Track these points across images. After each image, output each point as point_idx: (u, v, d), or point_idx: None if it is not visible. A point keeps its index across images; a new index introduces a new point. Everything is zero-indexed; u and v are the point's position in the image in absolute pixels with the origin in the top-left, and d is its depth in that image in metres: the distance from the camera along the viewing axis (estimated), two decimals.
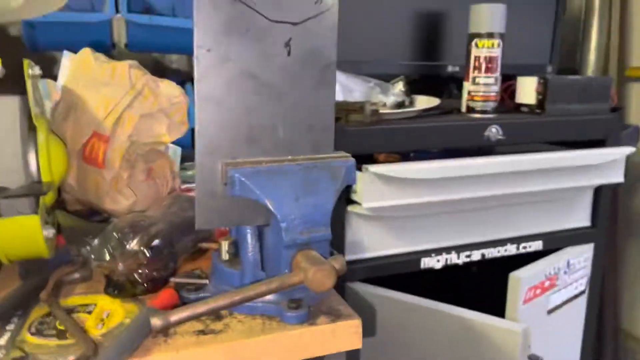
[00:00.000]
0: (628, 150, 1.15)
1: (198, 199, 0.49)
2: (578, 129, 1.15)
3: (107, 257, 0.51)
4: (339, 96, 1.08)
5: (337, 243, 1.00)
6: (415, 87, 1.21)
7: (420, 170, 0.95)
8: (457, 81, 1.29)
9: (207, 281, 0.55)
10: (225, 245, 0.53)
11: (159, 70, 1.24)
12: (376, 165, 0.93)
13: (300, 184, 0.49)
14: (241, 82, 0.47)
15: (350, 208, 0.98)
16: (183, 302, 0.52)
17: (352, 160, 0.53)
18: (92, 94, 0.60)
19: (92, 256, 0.51)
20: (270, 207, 0.48)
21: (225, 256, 0.54)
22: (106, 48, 1.04)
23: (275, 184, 0.49)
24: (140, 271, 0.51)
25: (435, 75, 1.24)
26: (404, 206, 0.96)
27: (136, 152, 0.62)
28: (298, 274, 0.46)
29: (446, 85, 1.32)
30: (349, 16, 1.15)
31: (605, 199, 1.22)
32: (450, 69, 1.24)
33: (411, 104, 1.14)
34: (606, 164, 1.12)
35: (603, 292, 1.44)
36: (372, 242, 1.03)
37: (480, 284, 1.26)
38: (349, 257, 1.02)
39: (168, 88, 0.62)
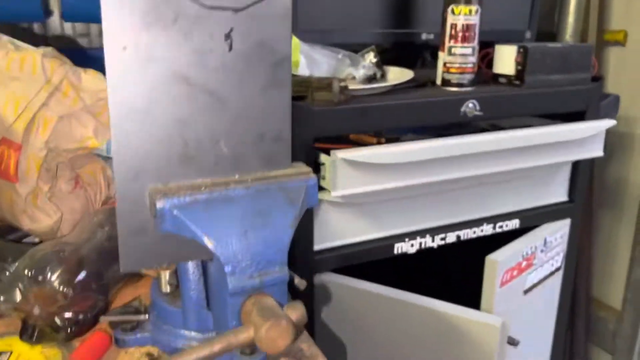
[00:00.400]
0: (609, 123, 1.09)
1: (122, 238, 0.40)
2: (558, 101, 1.08)
3: (19, 299, 0.42)
4: (304, 70, 0.98)
5: (305, 231, 0.93)
6: (386, 56, 1.12)
7: (393, 154, 0.88)
8: (432, 49, 1.20)
9: (146, 316, 0.47)
10: (165, 276, 0.45)
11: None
12: (344, 150, 0.85)
13: (250, 212, 0.41)
14: (170, 87, 0.37)
15: (318, 196, 0.90)
16: (118, 345, 0.44)
17: (314, 178, 0.44)
18: None
19: (1, 297, 0.42)
20: (211, 247, 0.40)
21: (165, 288, 0.45)
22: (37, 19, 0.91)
23: (217, 216, 0.40)
24: (62, 314, 0.43)
25: (408, 43, 1.14)
26: (376, 192, 0.89)
27: (57, 160, 0.52)
28: (248, 329, 0.38)
29: (420, 53, 1.23)
30: None
31: (583, 173, 1.18)
32: (424, 36, 1.14)
33: (383, 76, 1.05)
34: (586, 138, 1.06)
35: (577, 265, 1.42)
36: (341, 228, 0.96)
37: (456, 267, 1.22)
38: (318, 246, 0.95)
39: (93, 81, 0.52)
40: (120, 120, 0.37)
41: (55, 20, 0.98)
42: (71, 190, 0.55)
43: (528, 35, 1.24)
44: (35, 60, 0.50)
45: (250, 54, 0.38)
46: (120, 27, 0.35)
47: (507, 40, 1.17)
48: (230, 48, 0.38)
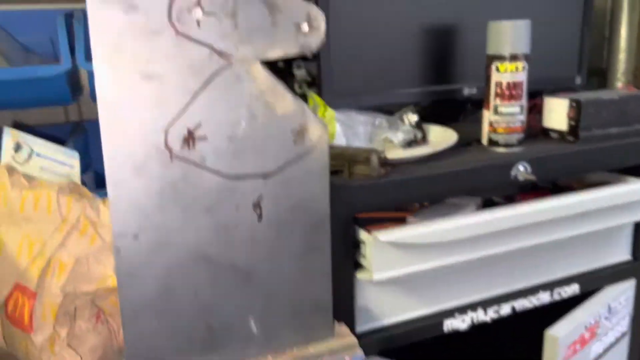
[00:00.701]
0: None
1: None
2: (617, 156, 1.00)
3: None
4: (340, 139, 0.93)
5: (346, 314, 0.86)
6: (426, 113, 1.05)
7: (438, 232, 0.82)
8: (475, 103, 1.13)
9: None
10: None
11: None
12: (386, 231, 0.79)
13: None
14: (189, 270, 0.33)
15: (359, 275, 0.84)
16: None
17: (360, 356, 0.38)
18: (11, 231, 0.46)
19: None
20: None
21: None
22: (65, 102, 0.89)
23: None
24: None
25: (448, 99, 1.08)
26: (421, 272, 0.83)
27: (75, 303, 0.48)
28: None
29: (461, 109, 1.16)
30: (344, 42, 0.99)
31: None
32: (466, 91, 1.07)
33: (423, 138, 0.98)
34: None
35: None
36: (385, 307, 0.90)
37: (513, 343, 1.13)
38: (360, 327, 0.89)
39: None
40: (133, 319, 0.32)
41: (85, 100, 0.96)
42: (92, 328, 0.51)
43: (578, 80, 1.15)
44: (50, 198, 0.47)
45: (283, 221, 0.33)
46: (129, 214, 0.30)
47: (556, 89, 1.10)
48: (260, 218, 0.33)
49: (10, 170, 0.51)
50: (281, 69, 1.16)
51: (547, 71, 1.14)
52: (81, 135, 0.98)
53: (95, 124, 1.05)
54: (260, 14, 0.30)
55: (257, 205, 0.32)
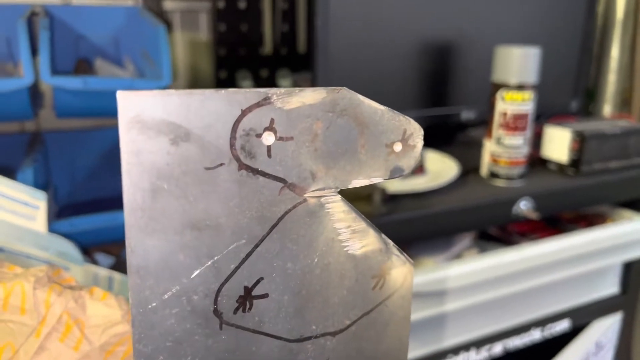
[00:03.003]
0: None
1: None
2: (617, 190, 0.97)
3: None
4: None
5: None
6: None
7: (441, 280, 0.76)
8: (473, 126, 1.07)
9: None
10: None
11: None
12: None
13: None
14: None
15: None
16: None
17: None
18: None
19: None
20: None
21: None
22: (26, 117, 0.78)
23: None
24: None
25: (444, 123, 1.02)
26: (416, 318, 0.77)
27: None
28: None
29: (457, 132, 1.10)
30: (340, 60, 0.91)
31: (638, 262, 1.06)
32: (464, 115, 1.01)
33: (421, 168, 0.92)
34: None
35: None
36: None
37: None
38: None
39: (102, 310, 0.39)
40: None
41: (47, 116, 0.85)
42: None
43: (574, 105, 1.11)
44: (25, 293, 0.37)
45: None
46: None
47: (551, 114, 1.05)
48: None
49: None
50: (264, 79, 1.06)
51: (542, 95, 1.09)
52: (40, 148, 0.86)
53: (55, 135, 0.93)
54: (347, 134, 0.22)
55: None
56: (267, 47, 1.09)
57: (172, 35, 1.07)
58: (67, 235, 0.68)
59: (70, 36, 0.86)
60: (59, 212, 0.90)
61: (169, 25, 0.86)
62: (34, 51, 0.75)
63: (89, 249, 0.79)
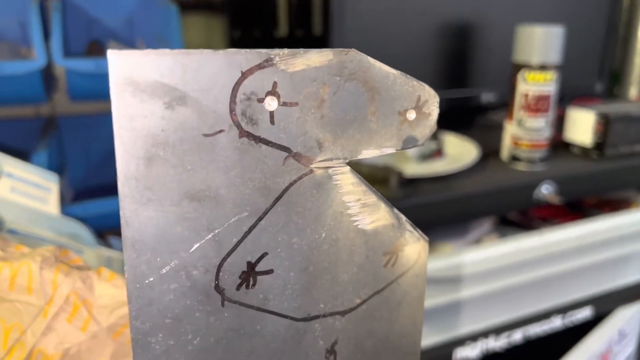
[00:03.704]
0: None
1: None
2: None
3: None
4: None
5: None
6: (441, 119, 0.96)
7: (461, 265, 0.74)
8: (494, 108, 1.05)
9: None
10: None
11: None
12: None
13: None
14: None
15: None
16: None
17: None
18: None
19: None
20: None
21: None
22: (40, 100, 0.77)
23: None
24: None
25: (464, 106, 0.99)
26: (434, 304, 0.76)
27: None
28: None
29: (478, 115, 1.07)
30: (358, 40, 0.89)
31: None
32: (484, 97, 0.99)
33: (439, 152, 0.90)
34: None
35: None
36: None
37: None
38: None
39: (110, 291, 0.38)
40: None
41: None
42: None
43: (598, 88, 1.08)
44: (32, 274, 0.36)
45: None
46: None
47: (575, 96, 1.02)
48: None
49: None
50: None
51: (565, 76, 1.06)
52: (54, 132, 0.86)
53: (70, 119, 0.93)
54: (355, 100, 0.20)
55: (330, 351, 0.23)
56: (282, 29, 1.07)
57: (185, 17, 1.05)
58: (82, 219, 0.67)
59: (83, 18, 0.85)
60: (74, 196, 0.90)
61: (182, 6, 0.85)
62: (46, 34, 0.75)
63: (103, 232, 0.78)
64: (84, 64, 0.72)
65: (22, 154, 0.72)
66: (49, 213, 0.62)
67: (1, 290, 0.36)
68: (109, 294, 0.38)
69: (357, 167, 0.77)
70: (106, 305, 0.38)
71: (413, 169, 0.83)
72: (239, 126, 0.20)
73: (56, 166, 0.80)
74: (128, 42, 0.88)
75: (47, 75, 0.76)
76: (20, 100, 0.75)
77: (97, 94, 0.78)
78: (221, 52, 0.19)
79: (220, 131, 0.20)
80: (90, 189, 0.94)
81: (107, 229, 0.81)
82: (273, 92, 0.20)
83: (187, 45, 0.98)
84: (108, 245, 0.81)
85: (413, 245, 0.25)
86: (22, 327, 0.36)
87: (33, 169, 0.60)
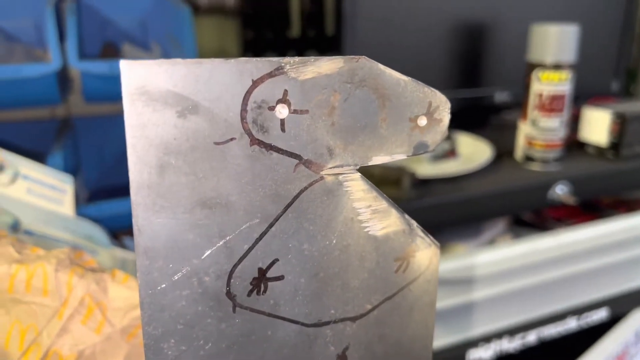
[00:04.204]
0: None
1: None
2: None
3: None
4: None
5: None
6: (454, 118, 0.96)
7: (476, 266, 0.74)
8: (507, 108, 1.04)
9: None
10: None
11: None
12: None
13: None
14: None
15: None
16: None
17: None
18: None
19: None
20: None
21: None
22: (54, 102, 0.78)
23: None
24: None
25: (477, 105, 0.98)
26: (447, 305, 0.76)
27: None
28: None
29: (491, 115, 1.07)
30: (369, 39, 0.89)
31: None
32: (498, 97, 0.98)
33: (453, 152, 0.89)
34: None
35: None
36: None
37: None
38: None
39: (124, 293, 0.38)
40: None
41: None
42: None
43: (614, 87, 1.06)
44: (47, 276, 0.37)
45: None
46: None
47: (590, 95, 1.01)
48: None
49: None
50: None
51: (580, 75, 1.05)
52: (70, 134, 0.87)
53: (85, 121, 0.94)
54: (366, 107, 0.20)
55: (342, 357, 0.23)
56: (295, 29, 1.08)
57: (199, 18, 1.06)
58: (96, 220, 0.68)
59: (97, 20, 0.86)
60: (89, 197, 0.91)
61: (195, 8, 0.86)
62: (61, 36, 0.75)
63: (118, 233, 0.79)
64: (99, 66, 0.73)
65: (38, 156, 0.72)
66: (64, 214, 0.62)
67: (17, 292, 0.37)
68: (123, 296, 0.39)
69: (370, 169, 0.77)
70: (120, 308, 0.38)
71: (426, 169, 0.83)
72: (250, 134, 0.20)
73: (71, 167, 0.81)
74: (142, 44, 0.89)
75: (63, 77, 0.77)
76: (35, 102, 0.76)
77: (112, 96, 0.79)
78: (232, 61, 0.19)
79: (232, 139, 0.20)
80: (105, 189, 0.95)
81: (121, 230, 0.82)
82: (284, 100, 0.20)
83: (200, 46, 0.99)
84: (122, 245, 0.81)
85: (424, 251, 0.25)
86: (37, 329, 0.37)
87: (49, 170, 0.60)
